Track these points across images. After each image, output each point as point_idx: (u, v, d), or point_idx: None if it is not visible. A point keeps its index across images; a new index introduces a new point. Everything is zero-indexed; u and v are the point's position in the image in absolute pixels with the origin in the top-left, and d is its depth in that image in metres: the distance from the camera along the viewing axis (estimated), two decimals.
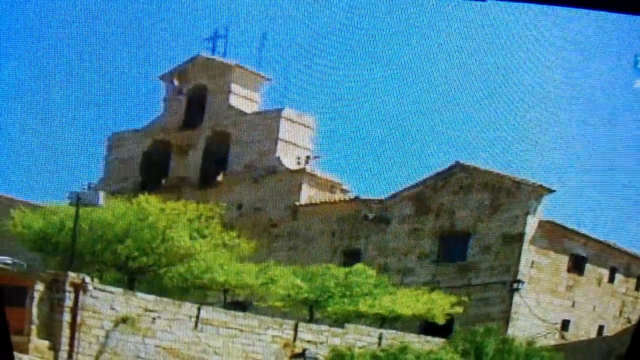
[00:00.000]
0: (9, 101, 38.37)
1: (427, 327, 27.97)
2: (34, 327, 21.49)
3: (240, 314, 24.94)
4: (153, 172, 38.70)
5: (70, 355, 21.75)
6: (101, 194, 25.73)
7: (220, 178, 38.11)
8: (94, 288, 22.57)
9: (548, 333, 30.66)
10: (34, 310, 21.63)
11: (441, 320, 27.40)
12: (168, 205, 26.57)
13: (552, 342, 29.64)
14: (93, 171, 44.20)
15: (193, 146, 38.85)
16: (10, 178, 38.97)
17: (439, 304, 27.51)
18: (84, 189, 25.56)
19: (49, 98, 39.68)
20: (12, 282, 20.90)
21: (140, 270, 25.99)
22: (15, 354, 17.38)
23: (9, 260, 23.63)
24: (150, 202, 26.59)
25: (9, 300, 19.58)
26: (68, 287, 22.13)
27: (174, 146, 39.09)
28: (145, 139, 39.27)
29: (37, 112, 38.58)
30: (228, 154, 38.03)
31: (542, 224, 31.56)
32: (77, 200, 24.32)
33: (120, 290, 23.31)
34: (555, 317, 31.49)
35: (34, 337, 21.37)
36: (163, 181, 38.50)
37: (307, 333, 24.71)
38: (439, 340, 24.85)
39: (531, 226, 31.35)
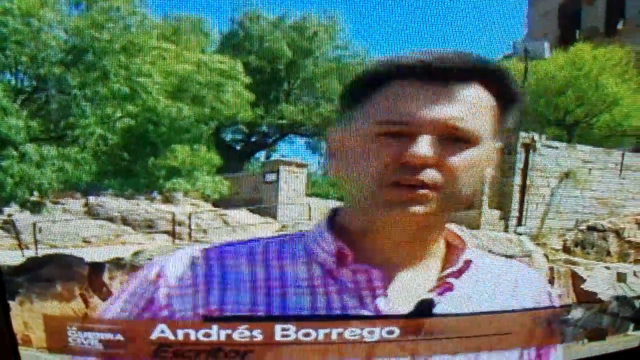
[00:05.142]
0: None
1: None
2: (485, 198, 19.96)
3: None
4: (567, 24, 40.26)
5: (519, 222, 20.64)
6: (546, 44, 25.52)
7: (620, 26, 37.47)
8: (542, 145, 21.90)
9: None
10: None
11: None
12: (598, 52, 26.47)
13: None
14: (516, 29, 45.40)
15: None
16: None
17: None
18: (524, 42, 25.46)
19: None
20: None
21: (575, 122, 26.53)
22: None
23: None
24: (584, 51, 26.49)
25: None
26: (519, 148, 21.15)
27: None
28: None
29: None
30: (625, 1, 37.10)
31: None
32: (526, 53, 23.73)
33: (564, 144, 23.29)
34: None
35: (485, 209, 20.03)
36: (576, 33, 38.53)
37: None
38: None
39: None
